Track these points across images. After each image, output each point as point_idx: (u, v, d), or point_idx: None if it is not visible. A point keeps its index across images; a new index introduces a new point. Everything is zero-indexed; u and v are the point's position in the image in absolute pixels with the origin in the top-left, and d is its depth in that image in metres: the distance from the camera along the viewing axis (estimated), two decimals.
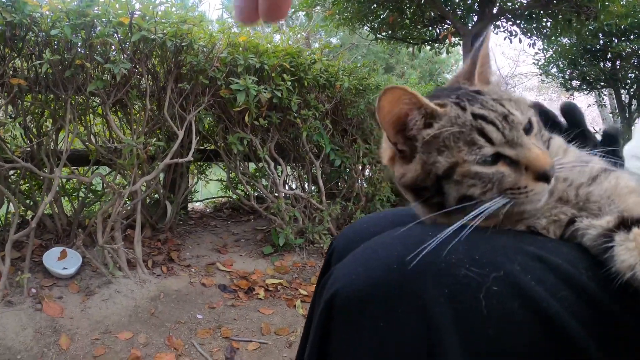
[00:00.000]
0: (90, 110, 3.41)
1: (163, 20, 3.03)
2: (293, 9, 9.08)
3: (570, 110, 1.11)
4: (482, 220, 0.80)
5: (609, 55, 11.88)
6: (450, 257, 0.70)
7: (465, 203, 0.81)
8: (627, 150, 1.57)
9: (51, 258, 2.98)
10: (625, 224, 0.71)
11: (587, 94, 15.00)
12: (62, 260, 3.00)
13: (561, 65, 13.08)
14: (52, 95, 3.06)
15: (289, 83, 3.64)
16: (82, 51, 2.86)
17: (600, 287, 0.69)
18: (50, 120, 3.37)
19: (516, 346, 0.67)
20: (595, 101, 17.21)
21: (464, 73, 0.93)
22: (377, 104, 0.84)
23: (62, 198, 3.60)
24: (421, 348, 0.68)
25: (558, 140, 0.95)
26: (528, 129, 0.83)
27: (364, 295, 0.74)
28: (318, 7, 8.32)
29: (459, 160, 0.80)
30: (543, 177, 0.79)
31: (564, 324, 0.66)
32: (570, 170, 0.86)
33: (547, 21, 8.14)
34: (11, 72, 2.84)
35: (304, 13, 8.79)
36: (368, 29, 8.42)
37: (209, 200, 5.65)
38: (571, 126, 1.10)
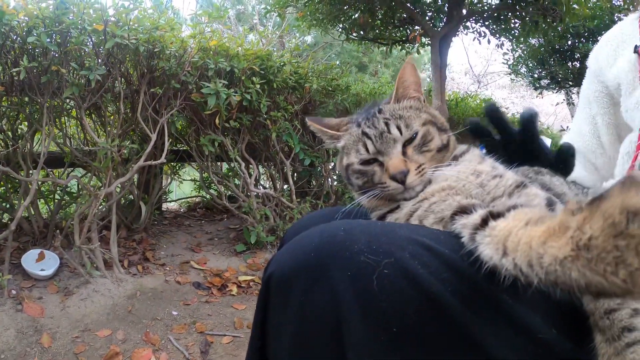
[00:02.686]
0: (65, 113, 3.48)
1: (136, 27, 3.11)
2: (265, 10, 9.15)
3: (525, 121, 1.42)
4: (376, 201, 1.20)
5: (577, 55, 12.16)
6: (354, 247, 0.88)
7: (362, 189, 1.23)
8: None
9: (29, 260, 3.06)
10: (486, 220, 0.89)
11: (556, 92, 15.30)
12: (40, 262, 3.07)
13: (530, 65, 13.35)
14: (26, 98, 3.13)
15: (258, 86, 3.75)
16: (56, 55, 2.93)
17: (477, 270, 0.84)
18: (25, 123, 3.43)
19: (406, 317, 0.84)
20: (564, 99, 17.56)
21: (389, 96, 1.32)
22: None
23: (38, 200, 3.66)
24: (332, 317, 0.88)
25: (476, 152, 1.24)
26: (411, 139, 1.18)
27: (289, 276, 0.95)
28: (290, 8, 8.39)
29: (351, 161, 1.24)
30: (393, 178, 1.13)
31: (444, 300, 0.83)
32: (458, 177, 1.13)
33: (515, 23, 8.29)
34: None
35: (277, 14, 8.84)
36: (340, 29, 8.50)
37: (183, 200, 5.73)
38: (526, 135, 1.43)
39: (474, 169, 1.13)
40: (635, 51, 1.45)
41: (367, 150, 1.20)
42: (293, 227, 1.40)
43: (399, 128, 1.18)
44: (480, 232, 0.87)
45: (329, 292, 0.88)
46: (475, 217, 0.92)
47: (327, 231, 0.95)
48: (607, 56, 1.61)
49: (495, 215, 0.89)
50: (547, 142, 3.19)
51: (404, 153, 1.17)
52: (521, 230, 0.77)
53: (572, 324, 0.87)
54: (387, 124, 1.19)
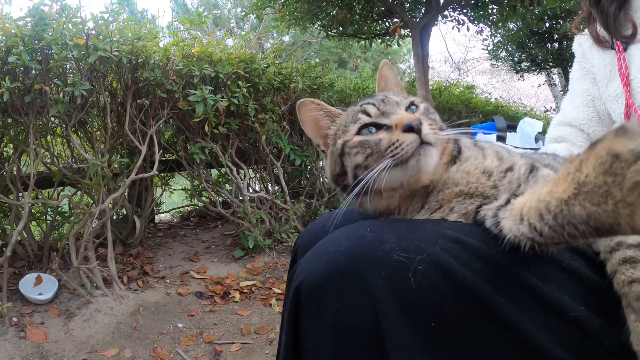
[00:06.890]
0: (50, 132, 3.42)
1: (117, 38, 3.05)
2: (244, 12, 9.10)
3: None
4: (377, 199, 1.08)
5: (555, 36, 12.26)
6: (384, 247, 0.90)
7: (360, 176, 1.06)
8: (558, 120, 1.82)
9: (27, 285, 3.00)
10: (509, 200, 0.94)
11: (537, 74, 15.43)
12: (38, 286, 3.01)
13: (510, 49, 13.44)
14: (9, 120, 3.06)
15: (245, 89, 3.72)
16: (37, 73, 2.86)
17: (506, 257, 0.89)
18: (10, 145, 3.36)
19: (443, 310, 0.86)
20: (546, 80, 17.73)
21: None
22: (299, 117, 1.22)
23: (30, 222, 3.58)
24: (370, 319, 0.88)
25: (468, 143, 1.16)
26: (414, 109, 1.12)
27: (321, 283, 0.93)
28: (268, 9, 8.36)
29: (349, 137, 1.10)
30: (408, 128, 1.01)
31: (478, 289, 0.86)
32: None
33: (493, 8, 8.33)
34: None
35: (254, 16, 8.80)
36: (319, 27, 8.49)
37: (175, 210, 5.68)
38: None
39: (483, 169, 1.06)
40: (613, 47, 1.53)
41: (368, 115, 1.10)
42: (305, 234, 1.36)
43: (397, 97, 1.15)
44: (502, 209, 0.92)
45: (364, 294, 0.88)
46: (500, 200, 0.97)
47: (353, 234, 0.95)
48: (590, 45, 1.68)
49: (517, 197, 0.93)
50: (539, 124, 3.17)
51: None
52: (533, 195, 0.84)
53: (597, 302, 0.90)
54: (385, 95, 1.15)
